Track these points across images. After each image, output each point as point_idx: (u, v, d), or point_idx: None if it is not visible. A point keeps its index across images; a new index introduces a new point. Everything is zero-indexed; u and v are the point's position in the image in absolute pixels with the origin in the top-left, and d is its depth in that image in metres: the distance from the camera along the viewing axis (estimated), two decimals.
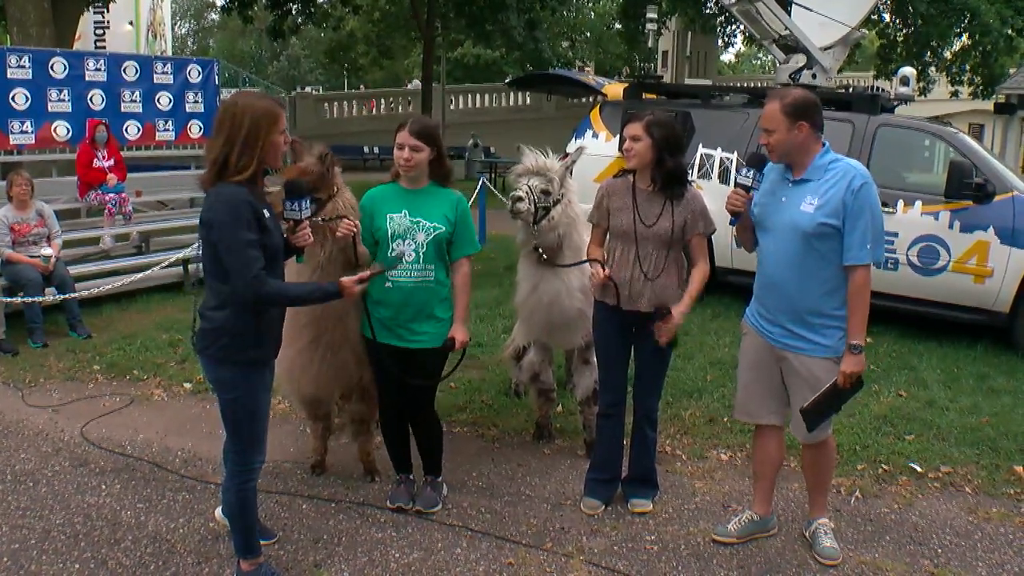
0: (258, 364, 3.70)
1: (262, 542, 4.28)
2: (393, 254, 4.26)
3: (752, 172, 4.13)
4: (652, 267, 4.48)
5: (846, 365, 3.96)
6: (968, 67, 26.77)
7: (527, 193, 4.77)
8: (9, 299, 7.67)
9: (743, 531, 4.50)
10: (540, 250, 4.90)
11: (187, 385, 6.74)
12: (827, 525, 4.45)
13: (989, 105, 28.71)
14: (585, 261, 4.75)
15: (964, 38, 26.52)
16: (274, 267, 3.63)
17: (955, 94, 28.34)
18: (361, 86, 49.38)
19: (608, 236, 4.68)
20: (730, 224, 4.39)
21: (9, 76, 10.91)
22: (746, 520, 4.53)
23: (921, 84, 25.51)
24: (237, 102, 3.57)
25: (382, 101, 34.70)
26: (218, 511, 4.53)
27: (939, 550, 4.49)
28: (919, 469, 5.38)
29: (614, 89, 11.44)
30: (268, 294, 3.49)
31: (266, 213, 3.57)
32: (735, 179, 4.22)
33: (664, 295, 4.51)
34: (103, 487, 5.03)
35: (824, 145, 4.05)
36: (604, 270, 4.48)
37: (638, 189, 4.53)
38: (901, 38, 26.66)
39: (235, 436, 3.79)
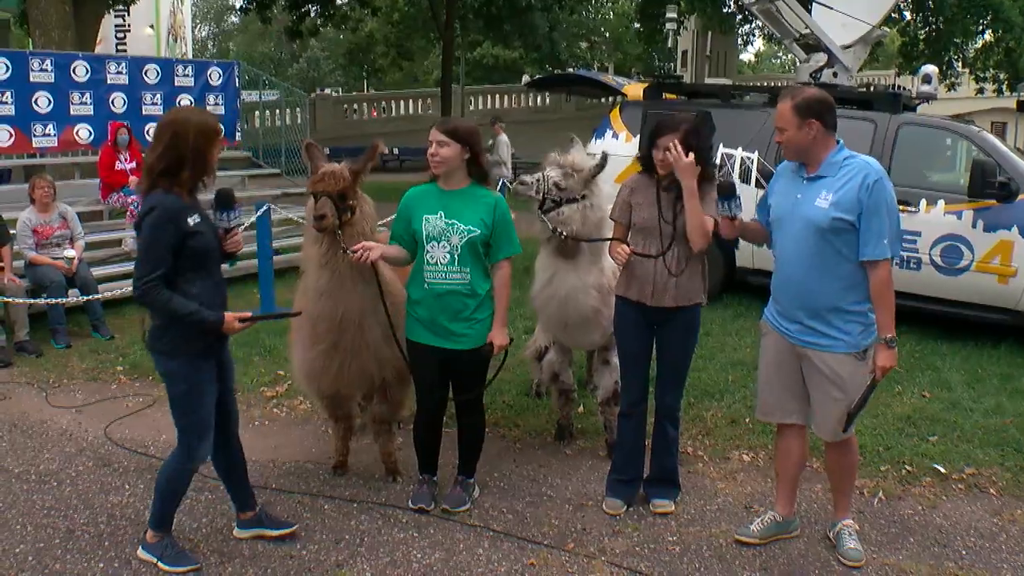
0: (204, 354, 3.94)
1: (277, 532, 4.43)
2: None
3: (730, 201, 4.22)
4: (675, 263, 4.49)
5: (882, 359, 3.97)
6: (991, 64, 26.56)
7: (535, 180, 4.82)
8: (33, 300, 7.73)
9: (765, 532, 4.47)
10: (559, 231, 4.85)
11: None
12: (851, 527, 4.42)
13: (1012, 103, 28.47)
14: (606, 239, 4.76)
15: (987, 35, 26.31)
16: (204, 264, 3.89)
17: (980, 91, 28.11)
18: (370, 90, 49.48)
19: (630, 232, 4.67)
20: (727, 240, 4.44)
21: (32, 80, 11.04)
22: (769, 521, 4.51)
23: (949, 81, 25.35)
24: (181, 117, 3.86)
25: (400, 103, 34.74)
26: (236, 529, 4.51)
27: (964, 552, 4.46)
28: (943, 471, 5.35)
29: (634, 89, 11.41)
30: (155, 300, 3.74)
31: (195, 219, 3.80)
32: (725, 211, 4.27)
33: (687, 291, 4.52)
34: (127, 487, 5.06)
35: (838, 143, 4.07)
36: (627, 247, 4.51)
37: (662, 186, 4.53)
38: (923, 36, 26.48)
39: (183, 425, 4.01)
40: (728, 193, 4.24)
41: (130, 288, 8.41)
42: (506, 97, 36.17)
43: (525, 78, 40.48)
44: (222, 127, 3.85)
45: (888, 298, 3.97)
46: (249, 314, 3.95)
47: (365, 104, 35.38)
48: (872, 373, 4.02)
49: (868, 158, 4.08)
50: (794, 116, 3.98)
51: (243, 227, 4.12)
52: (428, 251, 4.42)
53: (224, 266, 4.15)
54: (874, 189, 3.90)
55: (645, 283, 4.54)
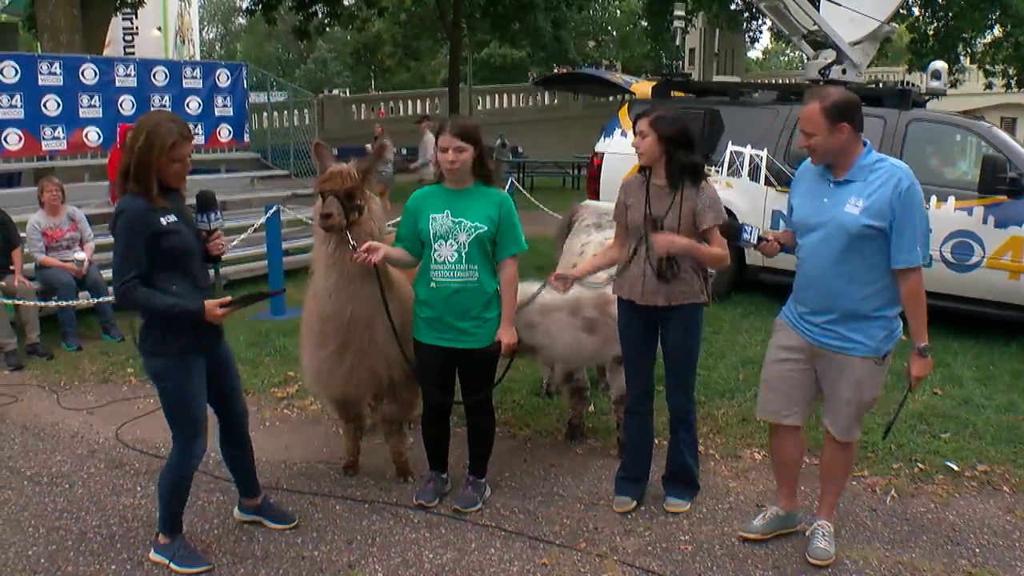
0: (190, 352, 3.94)
1: (278, 525, 4.52)
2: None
3: (743, 236, 4.21)
4: (665, 263, 4.43)
5: (916, 368, 3.94)
6: (1000, 59, 26.46)
7: None
8: (43, 303, 7.75)
9: (769, 527, 4.45)
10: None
11: None
12: (827, 527, 4.35)
13: (1021, 98, 28.35)
14: (539, 291, 4.91)
15: (996, 30, 26.21)
16: (181, 265, 3.91)
17: (989, 86, 28.01)
18: (377, 90, 49.52)
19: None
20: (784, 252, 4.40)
21: (40, 83, 11.08)
22: (772, 516, 4.48)
23: (953, 77, 25.28)
24: (143, 120, 3.89)
25: (408, 103, 34.74)
26: (236, 511, 4.62)
27: (977, 550, 4.44)
28: (955, 468, 5.32)
29: (642, 87, 11.40)
30: (135, 299, 3.79)
31: (169, 219, 3.84)
32: (749, 242, 4.25)
33: (681, 290, 4.47)
34: (138, 489, 5.07)
35: (865, 144, 3.97)
36: (564, 281, 4.65)
37: (652, 185, 4.51)
38: (931, 31, 26.38)
39: (175, 425, 4.05)
40: (733, 235, 4.23)
41: None
42: (514, 96, 36.07)
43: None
44: (175, 135, 3.79)
45: (921, 304, 3.90)
46: (228, 299, 3.95)
47: (373, 104, 35.38)
48: (908, 379, 3.99)
49: (898, 162, 3.97)
50: (825, 120, 3.85)
51: (223, 228, 4.14)
52: (435, 250, 4.42)
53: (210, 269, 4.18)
54: (906, 195, 3.81)
55: (635, 283, 4.51)
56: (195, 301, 3.86)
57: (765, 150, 9.31)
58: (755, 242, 4.21)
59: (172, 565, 4.13)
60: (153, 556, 4.20)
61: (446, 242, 4.39)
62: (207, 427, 4.14)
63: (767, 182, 9.26)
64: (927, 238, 3.95)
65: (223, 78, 13.20)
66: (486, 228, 4.39)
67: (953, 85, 25.37)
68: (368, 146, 18.70)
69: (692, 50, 40.22)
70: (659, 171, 4.47)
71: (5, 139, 10.86)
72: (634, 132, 4.57)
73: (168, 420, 4.06)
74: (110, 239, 9.59)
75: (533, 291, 4.93)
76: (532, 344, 5.08)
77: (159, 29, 24.11)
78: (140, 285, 3.77)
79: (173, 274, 3.87)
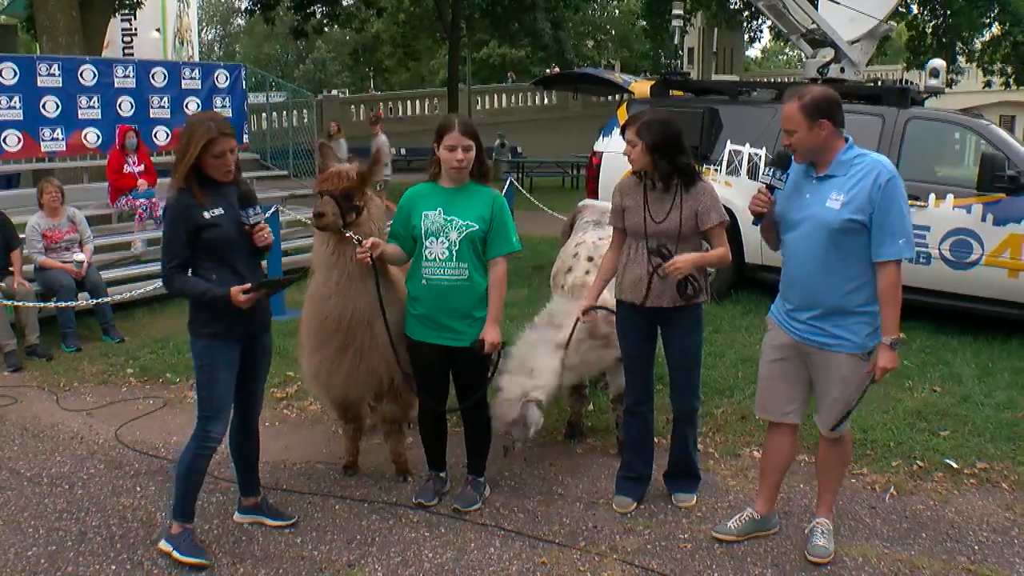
0: (220, 337, 4.14)
1: (277, 522, 4.58)
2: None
3: (779, 172, 4.09)
4: (684, 281, 4.42)
5: (883, 360, 3.91)
6: (999, 57, 26.47)
7: None
8: (43, 304, 7.75)
9: (743, 529, 4.45)
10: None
11: None
12: (826, 525, 4.36)
13: (1020, 96, 28.36)
14: (571, 335, 4.94)
15: (994, 28, 26.23)
16: (221, 255, 4.10)
17: (988, 84, 28.01)
18: (376, 90, 49.48)
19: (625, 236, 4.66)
20: (753, 224, 4.38)
21: (40, 84, 11.08)
22: (747, 518, 4.48)
23: (949, 76, 25.30)
24: (188, 120, 4.23)
25: (407, 103, 34.72)
26: (236, 514, 4.66)
27: (976, 547, 4.44)
28: (955, 465, 5.32)
29: (641, 86, 11.40)
30: (174, 286, 4.12)
31: (213, 213, 4.05)
32: (764, 180, 4.14)
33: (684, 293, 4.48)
34: (138, 489, 5.07)
35: (847, 140, 3.99)
36: (589, 314, 4.74)
37: (649, 186, 4.51)
38: (930, 29, 26.39)
39: (199, 404, 4.23)
40: (784, 164, 4.09)
41: (140, 291, 8.55)
42: (512, 96, 36.06)
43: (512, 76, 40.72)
44: (213, 132, 3.99)
45: (896, 299, 3.90)
46: (248, 285, 4.04)
47: (371, 104, 35.34)
48: (871, 372, 3.98)
49: (879, 156, 3.99)
50: (804, 118, 3.88)
51: (262, 222, 4.24)
52: (427, 247, 4.42)
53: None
54: (886, 188, 3.81)
55: (638, 285, 4.51)
56: (222, 288, 4.01)
57: (764, 148, 9.31)
58: (768, 181, 4.09)
59: (175, 553, 4.20)
60: (161, 545, 4.27)
61: (437, 239, 4.40)
62: (228, 416, 4.26)
63: None
64: (911, 234, 3.91)
65: (222, 79, 13.20)
66: (477, 227, 4.39)
67: (949, 84, 25.43)
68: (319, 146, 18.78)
69: (691, 49, 40.23)
70: (653, 176, 4.47)
71: (4, 140, 10.85)
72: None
73: (196, 395, 4.24)
74: (109, 240, 9.59)
75: (563, 338, 4.96)
76: (582, 381, 5.25)
77: (158, 30, 24.06)
78: (180, 272, 4.06)
79: (214, 264, 4.09)
